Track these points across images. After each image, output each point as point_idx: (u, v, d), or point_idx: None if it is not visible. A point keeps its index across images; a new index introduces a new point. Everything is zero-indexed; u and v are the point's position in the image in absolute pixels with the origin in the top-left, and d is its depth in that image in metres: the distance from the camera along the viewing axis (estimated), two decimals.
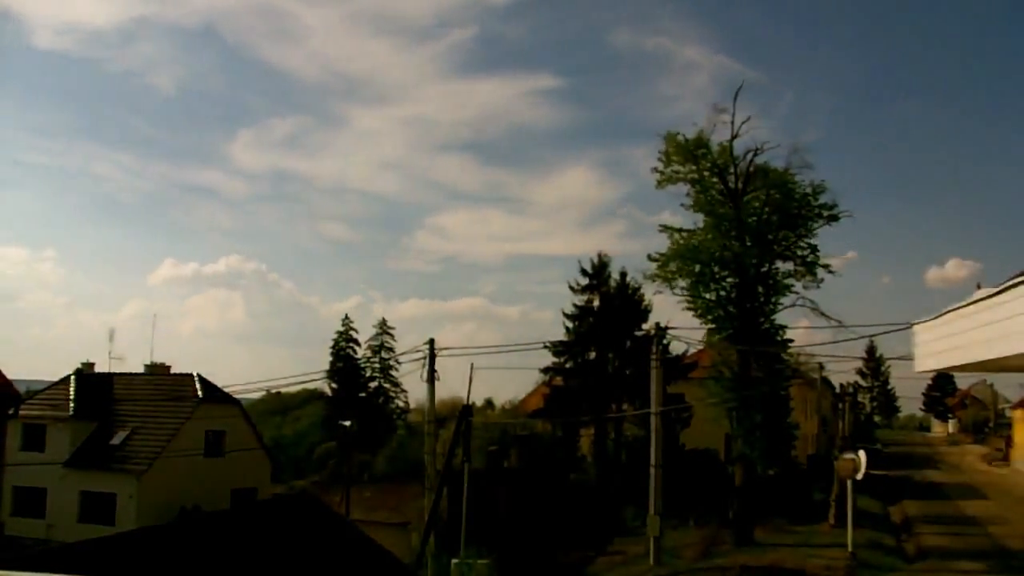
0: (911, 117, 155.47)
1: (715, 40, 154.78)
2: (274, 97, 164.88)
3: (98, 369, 41.82)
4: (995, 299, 8.05)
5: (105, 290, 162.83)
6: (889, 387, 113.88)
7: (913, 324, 10.84)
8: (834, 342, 68.48)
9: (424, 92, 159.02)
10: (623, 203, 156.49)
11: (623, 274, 41.08)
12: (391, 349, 58.77)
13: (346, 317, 60.15)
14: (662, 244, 34.30)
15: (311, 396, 60.63)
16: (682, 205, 33.95)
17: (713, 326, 34.19)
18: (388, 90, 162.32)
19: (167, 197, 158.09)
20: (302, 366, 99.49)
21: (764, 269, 33.21)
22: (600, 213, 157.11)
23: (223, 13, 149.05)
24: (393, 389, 58.90)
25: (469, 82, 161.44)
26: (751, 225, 32.84)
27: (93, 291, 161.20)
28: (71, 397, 38.22)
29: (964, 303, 9.02)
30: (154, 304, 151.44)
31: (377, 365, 58.42)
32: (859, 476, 25.46)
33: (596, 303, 41.27)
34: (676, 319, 69.76)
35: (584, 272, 41.36)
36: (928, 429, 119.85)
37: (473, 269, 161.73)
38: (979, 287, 9.57)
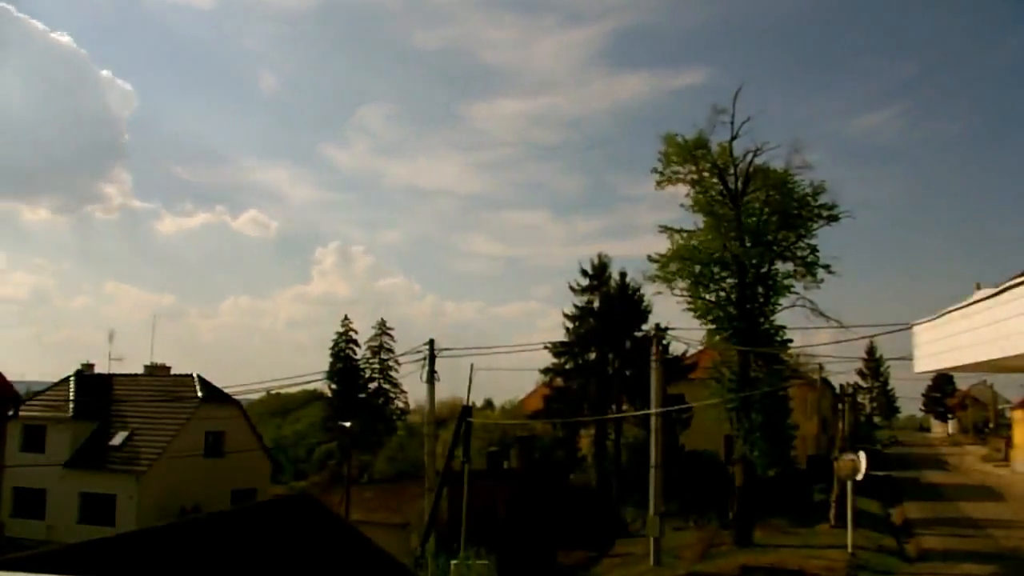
0: None
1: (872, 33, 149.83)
2: (388, 86, 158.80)
3: (98, 370, 41.84)
4: (995, 299, 8.05)
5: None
6: (889, 387, 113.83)
7: (913, 324, 10.84)
8: (834, 342, 68.52)
9: (560, 85, 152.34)
10: None
11: (623, 275, 41.13)
12: (391, 350, 58.65)
13: (346, 317, 59.68)
14: None
15: (311, 397, 60.49)
16: (682, 205, 34.07)
17: (713, 327, 34.25)
18: (520, 81, 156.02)
19: (230, 198, 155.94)
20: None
21: (764, 270, 33.27)
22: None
23: None
24: (393, 390, 58.81)
25: (613, 76, 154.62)
26: (751, 226, 32.91)
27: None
28: (71, 398, 38.22)
29: (964, 303, 9.02)
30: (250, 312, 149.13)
31: (377, 366, 58.31)
32: (859, 477, 25.49)
33: (596, 304, 41.25)
34: (676, 320, 69.64)
35: (584, 273, 41.34)
36: (928, 430, 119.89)
37: (539, 271, 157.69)
38: (978, 287, 9.56)
